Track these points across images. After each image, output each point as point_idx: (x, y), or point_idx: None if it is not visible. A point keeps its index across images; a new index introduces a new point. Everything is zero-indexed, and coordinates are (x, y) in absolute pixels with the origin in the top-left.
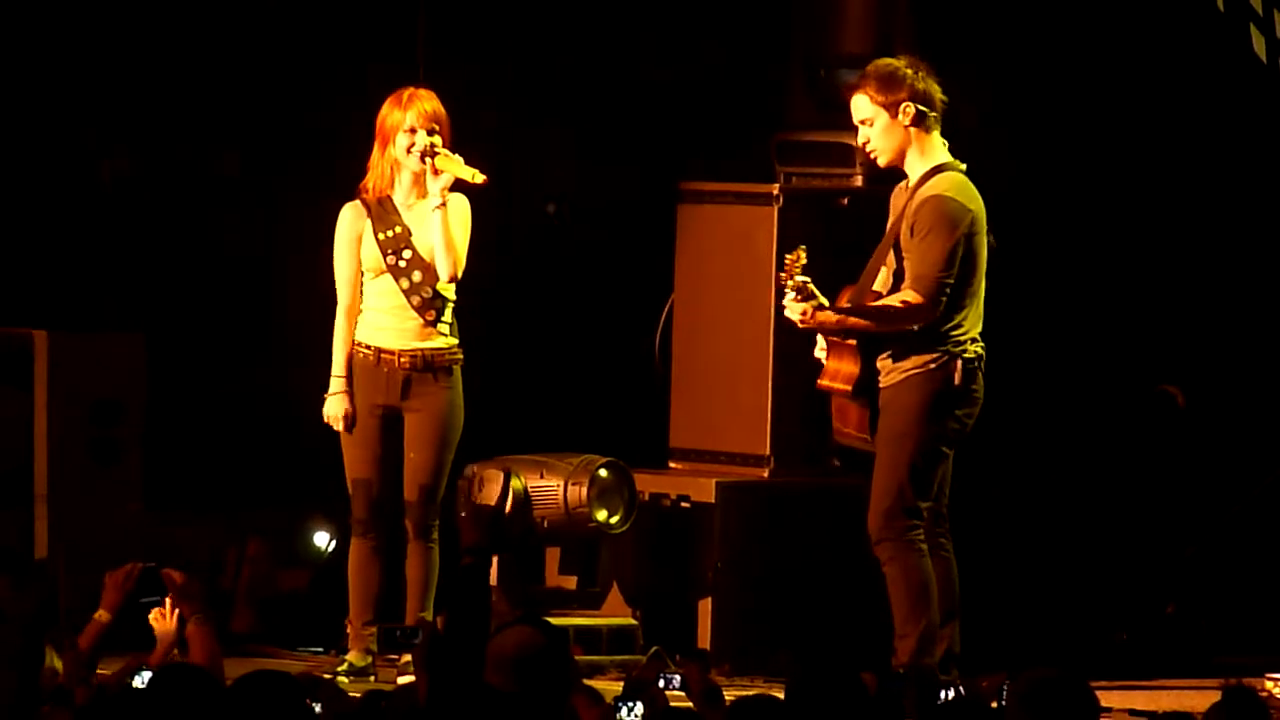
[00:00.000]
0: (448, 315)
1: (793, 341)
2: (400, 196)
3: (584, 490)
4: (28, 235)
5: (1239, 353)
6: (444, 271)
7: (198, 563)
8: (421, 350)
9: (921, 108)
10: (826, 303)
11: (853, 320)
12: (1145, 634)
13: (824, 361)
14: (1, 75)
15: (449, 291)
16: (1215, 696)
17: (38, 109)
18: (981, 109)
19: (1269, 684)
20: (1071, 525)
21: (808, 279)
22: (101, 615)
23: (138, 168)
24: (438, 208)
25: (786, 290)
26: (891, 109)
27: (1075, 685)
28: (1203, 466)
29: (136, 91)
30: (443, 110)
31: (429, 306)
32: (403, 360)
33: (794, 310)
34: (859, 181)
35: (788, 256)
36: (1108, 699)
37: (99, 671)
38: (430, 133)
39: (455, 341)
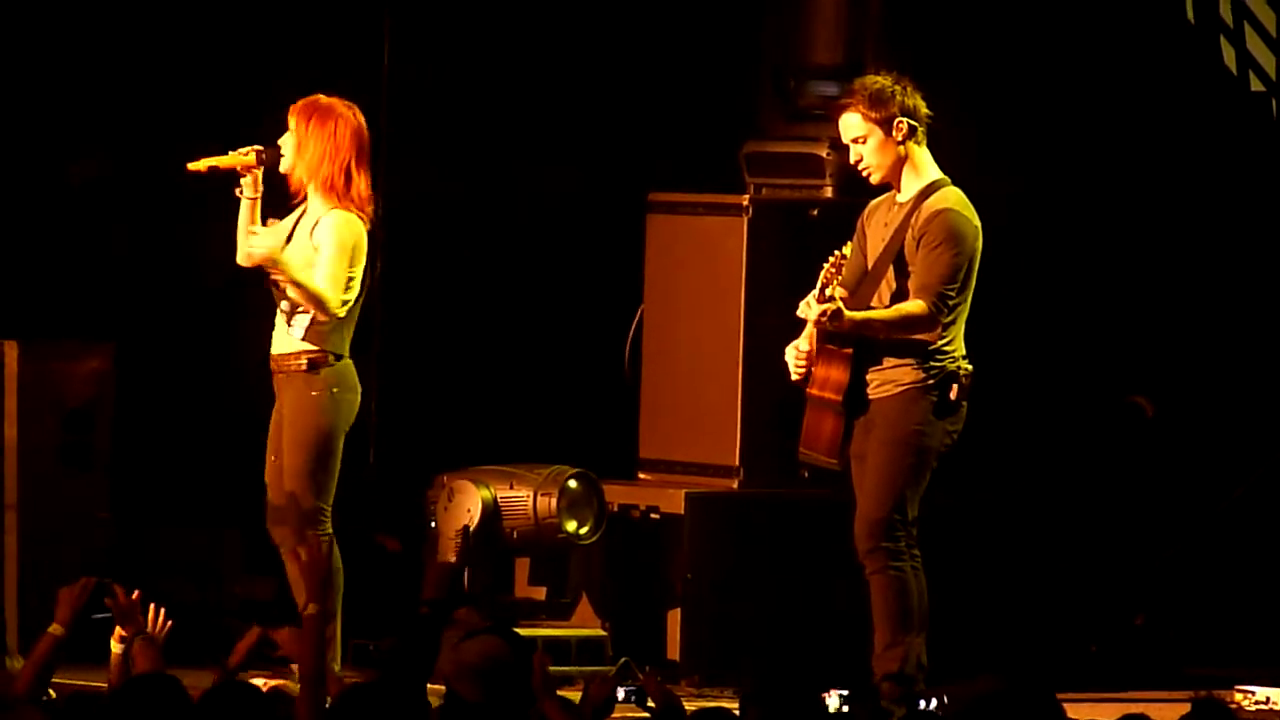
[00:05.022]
0: (306, 318)
1: (763, 353)
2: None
3: (553, 501)
4: None
5: (1207, 364)
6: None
7: (164, 573)
8: (283, 353)
9: (912, 122)
10: (843, 305)
11: (873, 325)
12: (1114, 645)
13: (812, 369)
14: None
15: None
16: (1184, 708)
17: (4, 112)
18: (952, 119)
19: (1238, 696)
20: (1040, 536)
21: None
22: (55, 629)
23: (107, 172)
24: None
25: (826, 290)
26: (885, 126)
27: (1025, 697)
28: (1171, 477)
29: (105, 95)
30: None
31: (293, 309)
32: (274, 364)
33: (814, 310)
34: (829, 192)
35: (836, 253)
36: (1076, 710)
37: (55, 680)
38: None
39: (313, 346)
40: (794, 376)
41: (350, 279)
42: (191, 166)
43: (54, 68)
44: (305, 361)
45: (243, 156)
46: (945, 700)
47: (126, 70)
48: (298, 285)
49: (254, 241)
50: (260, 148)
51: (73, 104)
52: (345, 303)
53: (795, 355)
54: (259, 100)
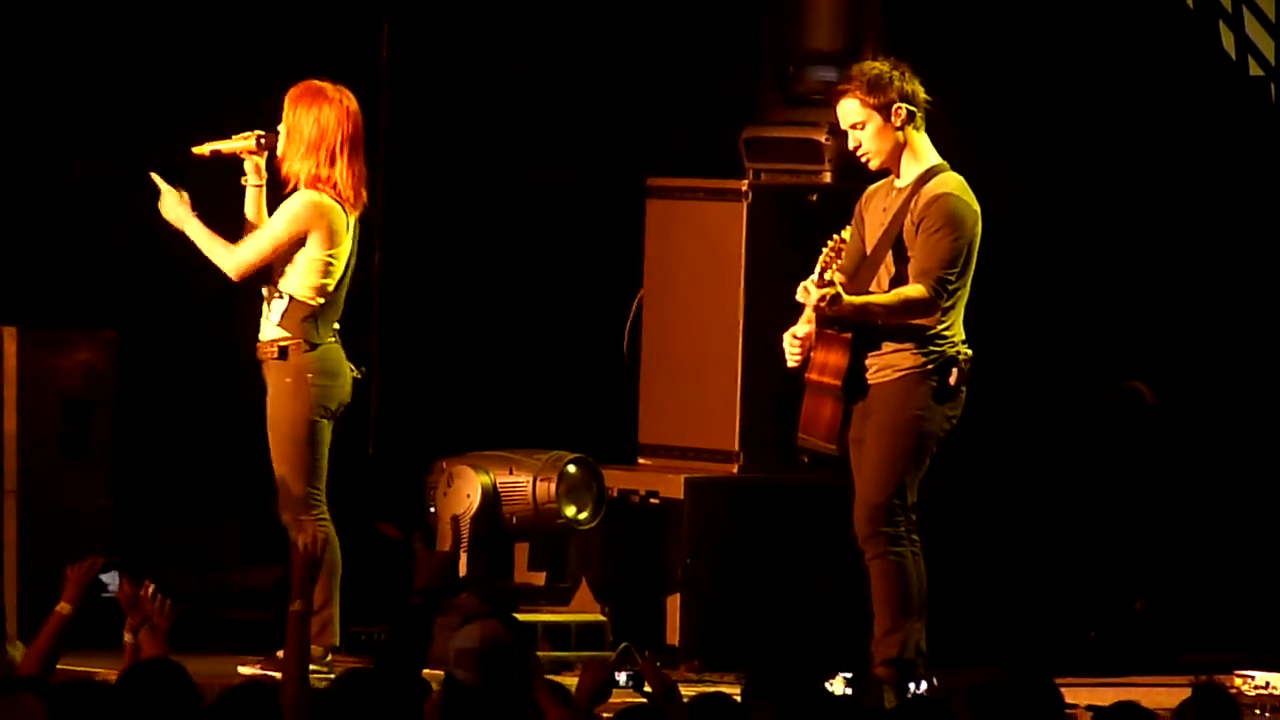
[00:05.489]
0: (281, 305)
1: (762, 337)
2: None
3: (553, 486)
4: None
5: (1207, 350)
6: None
7: (164, 562)
8: (263, 341)
9: (910, 108)
10: (842, 291)
11: (872, 309)
12: (1114, 631)
13: (810, 354)
14: None
15: (282, 283)
16: (1184, 694)
17: (5, 105)
18: (951, 105)
19: (1238, 681)
20: (1040, 522)
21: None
22: (62, 608)
23: (109, 163)
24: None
25: (824, 274)
26: (883, 111)
27: (1027, 686)
28: (1171, 463)
29: (105, 87)
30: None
31: (270, 297)
32: (257, 352)
33: (813, 295)
34: (827, 178)
35: (835, 237)
36: (1076, 696)
37: (61, 665)
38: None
39: (286, 333)
40: (791, 363)
41: (329, 264)
42: (196, 150)
43: (54, 61)
44: (277, 349)
45: (244, 141)
46: (934, 683)
47: (126, 63)
48: (204, 250)
49: (163, 205)
50: (261, 133)
51: (73, 96)
52: (324, 288)
53: (791, 342)
54: (258, 94)
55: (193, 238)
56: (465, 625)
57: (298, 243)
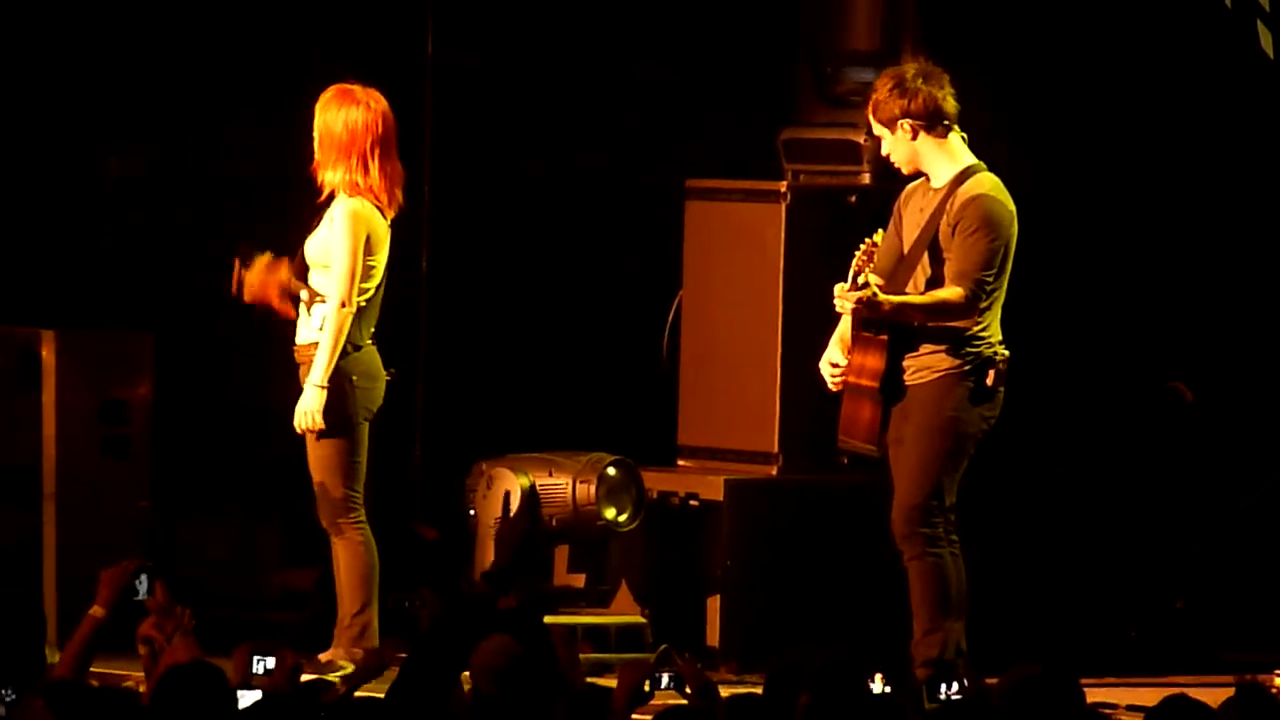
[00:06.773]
0: (323, 308)
1: (801, 339)
2: None
3: (592, 488)
4: (36, 233)
5: (1246, 349)
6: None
7: (203, 563)
8: (303, 344)
9: (919, 122)
10: (879, 292)
11: (909, 310)
12: (1154, 630)
13: (849, 357)
14: (7, 71)
15: (316, 285)
16: (1223, 693)
17: (44, 105)
18: (988, 105)
19: (1278, 680)
20: (1079, 522)
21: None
22: (96, 611)
23: (147, 165)
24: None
25: (858, 278)
26: (890, 126)
27: (1061, 681)
28: (1210, 463)
29: (146, 87)
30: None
31: (309, 300)
32: (296, 354)
33: (849, 299)
34: (866, 179)
35: (867, 240)
36: (1115, 696)
37: (92, 669)
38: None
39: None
40: (832, 388)
41: (371, 267)
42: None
43: (93, 62)
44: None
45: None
46: (966, 684)
47: (166, 61)
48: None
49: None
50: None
51: (112, 96)
52: (364, 291)
53: (830, 370)
54: (301, 92)
55: (329, 356)
56: (483, 642)
57: (368, 249)
